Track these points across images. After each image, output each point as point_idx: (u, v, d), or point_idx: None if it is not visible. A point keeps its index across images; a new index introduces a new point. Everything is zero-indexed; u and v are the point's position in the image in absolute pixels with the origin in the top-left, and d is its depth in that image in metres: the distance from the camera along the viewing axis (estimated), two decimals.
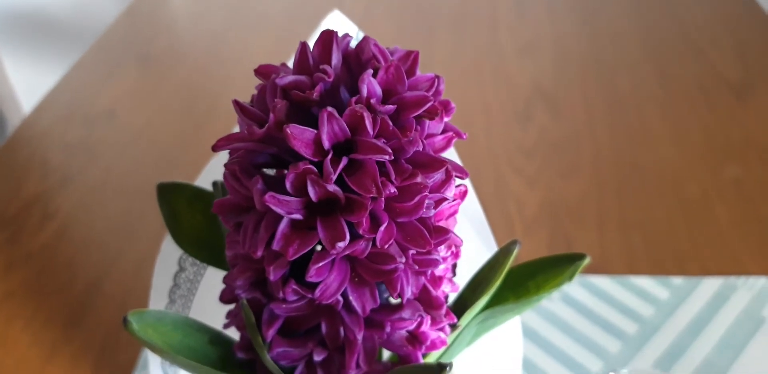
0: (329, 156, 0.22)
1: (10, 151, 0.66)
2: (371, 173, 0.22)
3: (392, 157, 0.22)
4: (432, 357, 0.29)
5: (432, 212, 0.24)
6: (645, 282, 0.50)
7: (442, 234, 0.24)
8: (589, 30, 0.79)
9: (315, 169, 0.22)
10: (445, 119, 0.26)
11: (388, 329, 0.25)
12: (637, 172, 0.60)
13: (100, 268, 0.54)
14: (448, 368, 0.23)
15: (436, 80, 0.25)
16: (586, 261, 0.29)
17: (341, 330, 0.25)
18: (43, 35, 0.98)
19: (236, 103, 0.24)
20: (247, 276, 0.25)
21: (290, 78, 0.23)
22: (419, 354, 0.27)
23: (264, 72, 0.25)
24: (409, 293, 0.25)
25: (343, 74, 0.25)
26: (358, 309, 0.24)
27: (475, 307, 0.29)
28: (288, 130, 0.22)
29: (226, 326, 0.28)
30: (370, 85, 0.23)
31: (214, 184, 0.30)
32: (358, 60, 0.25)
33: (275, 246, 0.23)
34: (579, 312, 0.48)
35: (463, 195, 0.27)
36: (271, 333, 0.25)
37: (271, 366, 0.26)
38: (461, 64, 0.75)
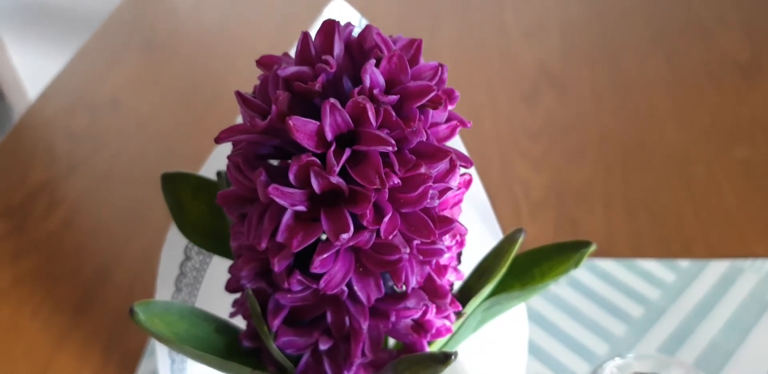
0: (332, 148, 0.22)
1: (15, 139, 0.67)
2: (375, 164, 0.22)
3: (396, 148, 0.22)
4: (437, 345, 0.29)
5: (436, 202, 0.24)
6: (651, 265, 0.50)
7: (446, 224, 0.24)
8: (596, 10, 0.79)
9: (318, 161, 0.22)
10: (450, 107, 0.26)
11: (393, 318, 0.25)
12: (643, 154, 0.60)
13: (108, 255, 0.54)
14: (453, 357, 0.23)
15: (440, 69, 0.25)
16: (592, 248, 0.29)
17: (346, 319, 0.25)
18: (46, 21, 0.98)
19: (238, 94, 0.24)
20: (252, 267, 0.25)
21: (292, 69, 0.23)
22: (424, 342, 0.27)
23: (266, 63, 0.25)
24: (413, 282, 0.25)
25: (346, 63, 0.25)
26: (363, 299, 0.24)
27: (480, 295, 0.29)
28: (291, 122, 0.22)
29: (232, 315, 0.28)
30: (373, 75, 0.23)
31: (219, 174, 0.30)
32: (360, 49, 0.25)
33: (279, 238, 0.23)
34: (585, 296, 0.48)
35: (467, 184, 0.27)
36: (276, 322, 0.26)
37: (277, 354, 0.26)
38: (467, 45, 0.75)
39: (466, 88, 0.68)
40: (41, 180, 0.61)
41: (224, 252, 0.31)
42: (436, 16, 0.80)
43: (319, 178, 0.22)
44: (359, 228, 0.23)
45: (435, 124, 0.25)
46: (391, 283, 0.27)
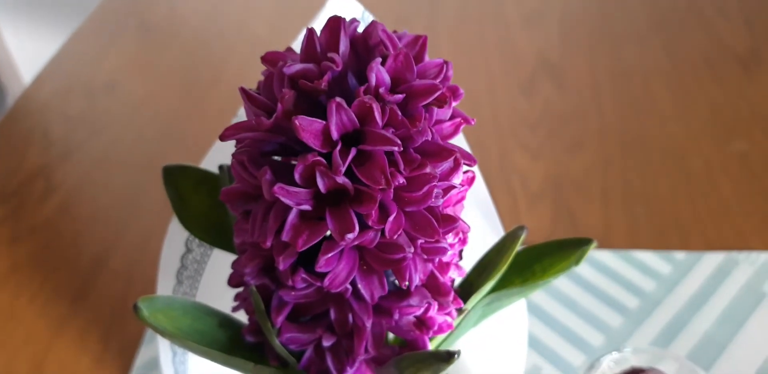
0: (338, 147, 0.22)
1: (11, 123, 0.66)
2: (380, 164, 0.22)
3: (401, 148, 0.22)
4: (437, 339, 0.29)
5: (440, 201, 0.24)
6: (647, 256, 0.50)
7: (450, 223, 0.24)
8: (595, 0, 0.78)
9: (324, 160, 0.22)
10: (454, 104, 0.26)
11: (396, 316, 0.26)
12: (641, 146, 0.60)
13: (106, 241, 0.54)
14: (456, 355, 0.24)
15: (445, 66, 0.25)
16: (593, 245, 0.29)
17: (350, 316, 0.25)
18: (41, 3, 0.97)
19: (243, 90, 0.24)
20: (256, 263, 0.26)
21: (298, 66, 0.23)
22: (426, 339, 0.27)
23: (271, 59, 0.25)
24: (417, 280, 0.25)
25: (351, 60, 0.25)
26: (367, 296, 0.25)
27: (481, 291, 0.29)
28: (296, 122, 0.22)
29: (234, 309, 0.28)
30: (379, 73, 0.23)
31: (221, 167, 0.30)
32: (365, 45, 0.25)
33: (284, 237, 0.23)
34: (581, 287, 0.49)
35: (470, 181, 0.27)
36: (280, 319, 0.26)
37: (280, 350, 0.27)
38: (465, 34, 0.74)
39: (464, 78, 0.67)
40: (37, 164, 0.61)
41: (226, 246, 0.31)
42: (434, 4, 0.79)
43: (325, 177, 0.22)
44: (364, 227, 0.23)
45: (439, 122, 0.25)
46: (393, 279, 0.27)
